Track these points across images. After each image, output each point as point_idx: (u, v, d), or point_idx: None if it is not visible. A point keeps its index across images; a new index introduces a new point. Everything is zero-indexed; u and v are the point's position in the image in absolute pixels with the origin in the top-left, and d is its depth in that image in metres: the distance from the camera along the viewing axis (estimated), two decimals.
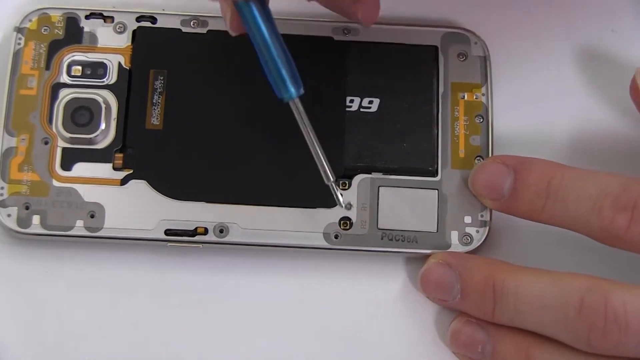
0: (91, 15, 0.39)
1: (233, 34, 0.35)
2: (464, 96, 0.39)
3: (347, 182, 0.38)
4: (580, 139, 0.40)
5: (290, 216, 0.37)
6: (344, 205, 0.37)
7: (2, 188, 0.37)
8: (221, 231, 0.37)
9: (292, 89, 0.34)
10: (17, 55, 0.39)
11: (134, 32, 0.39)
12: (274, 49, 0.33)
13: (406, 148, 0.38)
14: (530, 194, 0.35)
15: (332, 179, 0.36)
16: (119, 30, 0.39)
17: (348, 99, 0.39)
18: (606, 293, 0.32)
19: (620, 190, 0.33)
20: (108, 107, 0.38)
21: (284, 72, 0.34)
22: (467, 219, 0.38)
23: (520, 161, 0.36)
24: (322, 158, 0.36)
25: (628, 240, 0.33)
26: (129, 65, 0.39)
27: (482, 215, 0.38)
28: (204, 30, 0.39)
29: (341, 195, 0.37)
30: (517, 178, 0.36)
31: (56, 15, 0.39)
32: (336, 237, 0.37)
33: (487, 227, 0.38)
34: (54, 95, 0.38)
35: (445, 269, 0.36)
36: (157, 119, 0.38)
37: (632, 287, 0.32)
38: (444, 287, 0.36)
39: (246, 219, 0.37)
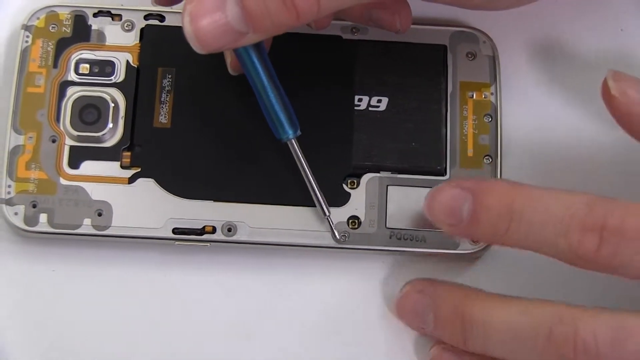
0: (99, 13, 0.39)
1: (234, 74, 0.37)
2: (472, 95, 0.39)
3: (355, 181, 0.38)
4: (589, 137, 0.40)
5: (299, 215, 0.37)
6: (339, 237, 0.37)
7: (10, 186, 0.37)
8: (229, 230, 0.37)
9: (290, 131, 0.35)
10: (24, 53, 0.38)
11: (142, 30, 0.39)
12: (271, 93, 0.35)
13: (415, 147, 0.38)
14: (492, 216, 0.33)
15: (327, 214, 0.37)
16: (127, 28, 0.39)
17: (357, 97, 0.39)
18: (575, 322, 0.31)
19: (587, 211, 0.32)
20: (116, 105, 0.38)
21: (281, 115, 0.35)
22: None
23: (478, 184, 0.34)
24: (318, 195, 0.36)
25: (598, 262, 0.32)
26: (137, 63, 0.39)
27: None
28: None
29: (335, 228, 0.37)
30: (476, 201, 0.34)
31: (64, 13, 0.39)
32: (344, 236, 0.37)
33: None
34: (61, 93, 0.38)
35: (419, 297, 0.36)
36: (165, 117, 0.38)
37: (601, 313, 0.32)
38: (419, 315, 0.36)
39: (254, 218, 0.37)
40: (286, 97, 0.35)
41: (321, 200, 0.37)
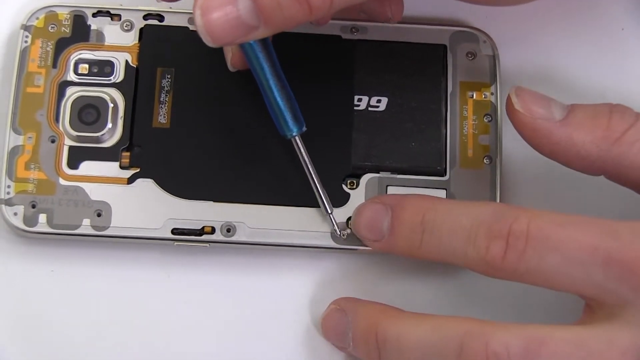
0: (98, 13, 0.39)
1: (233, 69, 0.37)
2: (472, 95, 0.39)
3: (355, 182, 0.38)
4: None
5: (298, 216, 0.37)
6: (340, 234, 0.37)
7: (9, 186, 0.37)
8: (228, 230, 0.37)
9: (294, 128, 0.35)
10: (24, 53, 0.38)
11: (141, 30, 0.39)
12: (276, 89, 0.35)
13: (414, 147, 0.38)
14: (407, 230, 0.34)
15: (330, 211, 0.37)
16: (126, 28, 0.39)
17: (356, 97, 0.39)
18: (486, 337, 0.31)
19: (493, 219, 0.32)
20: (115, 106, 0.38)
21: (286, 111, 0.35)
22: None
23: (398, 199, 0.35)
24: (321, 192, 0.36)
25: (506, 269, 0.32)
26: (136, 63, 0.39)
27: None
28: None
29: (338, 226, 0.37)
30: (394, 215, 0.35)
31: (63, 13, 0.39)
32: (343, 236, 0.37)
33: None
34: (60, 94, 0.38)
35: (341, 316, 0.36)
36: (164, 117, 0.38)
37: (512, 326, 0.31)
38: (339, 334, 0.36)
39: (253, 219, 0.37)
40: (292, 93, 0.35)
41: (324, 198, 0.37)
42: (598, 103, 0.35)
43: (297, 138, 0.36)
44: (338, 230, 0.37)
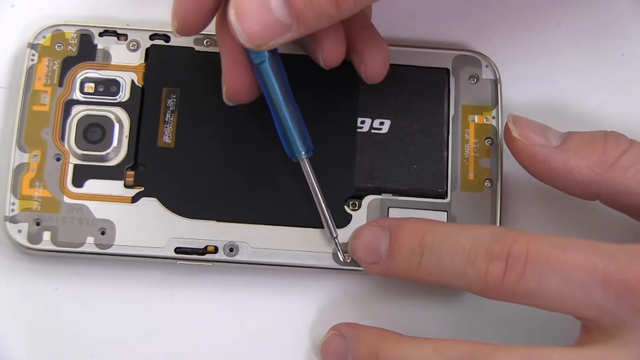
0: (105, 32, 0.40)
1: (230, 104, 0.37)
2: (474, 119, 0.39)
3: (357, 203, 0.38)
4: None
5: (300, 236, 0.37)
6: (343, 258, 0.37)
7: (14, 204, 0.37)
8: (231, 250, 0.37)
9: (302, 150, 0.36)
10: (30, 71, 0.39)
11: (147, 50, 0.39)
12: (287, 110, 0.35)
13: (416, 170, 0.39)
14: (405, 252, 0.35)
15: (335, 235, 0.37)
16: (132, 48, 0.39)
17: (359, 119, 0.39)
18: (487, 359, 0.31)
19: (493, 240, 0.33)
20: (120, 125, 0.38)
21: (295, 133, 0.36)
22: None
23: (395, 222, 0.36)
24: (327, 215, 0.37)
25: (505, 290, 0.32)
26: (142, 83, 0.39)
27: None
28: (216, 49, 0.39)
29: (342, 251, 0.37)
30: (392, 238, 0.35)
31: (70, 32, 0.39)
32: (347, 259, 0.37)
33: None
34: (66, 112, 0.38)
35: (341, 341, 0.36)
36: (169, 137, 0.38)
37: (512, 349, 0.32)
38: (339, 359, 0.36)
39: (256, 239, 0.37)
40: (301, 116, 0.36)
41: (330, 221, 0.37)
42: (594, 130, 0.35)
43: (305, 160, 0.36)
44: (342, 255, 0.37)
